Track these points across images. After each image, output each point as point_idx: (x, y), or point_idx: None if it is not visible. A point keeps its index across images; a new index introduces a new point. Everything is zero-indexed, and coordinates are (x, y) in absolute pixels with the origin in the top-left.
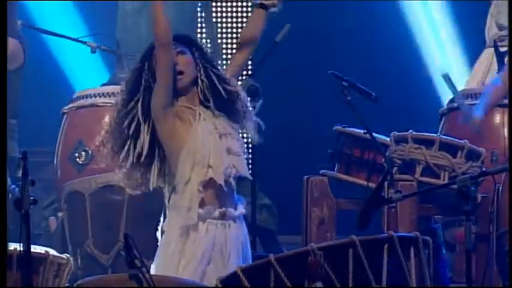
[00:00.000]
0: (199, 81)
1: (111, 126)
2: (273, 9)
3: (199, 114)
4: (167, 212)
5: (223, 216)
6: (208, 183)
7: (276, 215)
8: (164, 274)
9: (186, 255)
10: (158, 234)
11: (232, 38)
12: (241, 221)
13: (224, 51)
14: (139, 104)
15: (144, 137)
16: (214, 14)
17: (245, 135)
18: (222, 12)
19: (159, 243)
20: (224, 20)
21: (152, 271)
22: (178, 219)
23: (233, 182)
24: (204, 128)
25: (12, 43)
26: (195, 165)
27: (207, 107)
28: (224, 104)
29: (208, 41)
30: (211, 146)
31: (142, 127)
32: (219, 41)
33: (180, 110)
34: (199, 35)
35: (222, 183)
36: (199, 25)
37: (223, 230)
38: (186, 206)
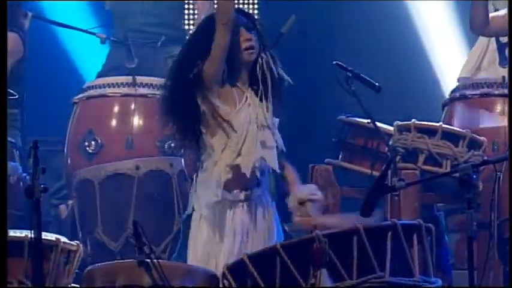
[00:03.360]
0: (260, 60)
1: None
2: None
3: (246, 97)
4: (194, 189)
5: (248, 198)
6: (235, 168)
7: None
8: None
9: (217, 240)
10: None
11: None
12: (266, 202)
13: None
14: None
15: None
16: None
17: None
18: None
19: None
20: None
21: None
22: (205, 197)
23: (258, 173)
24: (246, 115)
25: (10, 37)
26: (226, 147)
27: (256, 92)
28: (273, 90)
29: None
30: (247, 135)
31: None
32: None
33: (229, 90)
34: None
35: (248, 173)
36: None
37: (249, 211)
38: (214, 185)
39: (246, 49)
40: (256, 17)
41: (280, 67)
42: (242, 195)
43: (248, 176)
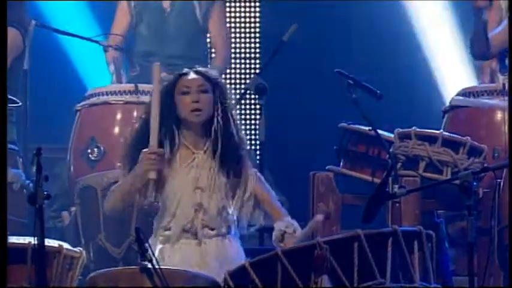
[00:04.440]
0: (215, 121)
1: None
2: None
3: (194, 158)
4: None
5: (195, 236)
6: (170, 229)
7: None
8: None
9: None
10: None
11: (246, 37)
12: (222, 239)
13: (238, 50)
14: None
15: None
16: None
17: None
18: (235, 11)
19: None
20: (238, 19)
21: None
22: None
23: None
24: (185, 177)
25: (11, 32)
26: (164, 210)
27: (205, 147)
28: (228, 152)
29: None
30: (182, 197)
31: None
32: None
33: (172, 153)
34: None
35: (178, 234)
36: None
37: (197, 247)
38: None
39: (192, 110)
40: (257, 19)
41: (237, 130)
42: (188, 234)
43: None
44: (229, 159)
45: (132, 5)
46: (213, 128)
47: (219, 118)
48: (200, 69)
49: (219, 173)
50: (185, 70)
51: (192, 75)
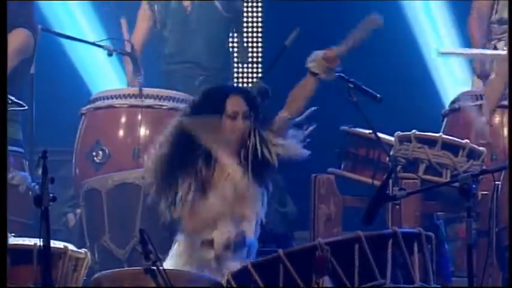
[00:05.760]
0: (251, 141)
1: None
2: (323, 77)
3: (228, 173)
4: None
5: (218, 258)
6: (208, 243)
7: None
8: None
9: None
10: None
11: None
12: (241, 253)
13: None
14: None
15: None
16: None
17: None
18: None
19: None
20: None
21: None
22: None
23: (232, 245)
24: (223, 191)
25: (24, 33)
26: (201, 222)
27: (240, 163)
28: (258, 165)
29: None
30: (224, 211)
31: None
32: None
33: (211, 165)
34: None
35: (220, 249)
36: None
37: (219, 271)
38: (182, 261)
39: (235, 136)
40: (260, 24)
41: (269, 145)
42: (211, 254)
43: (219, 251)
44: (263, 172)
45: (155, 10)
46: (248, 146)
47: (256, 139)
48: (243, 88)
49: (254, 183)
50: (229, 87)
51: (238, 98)
